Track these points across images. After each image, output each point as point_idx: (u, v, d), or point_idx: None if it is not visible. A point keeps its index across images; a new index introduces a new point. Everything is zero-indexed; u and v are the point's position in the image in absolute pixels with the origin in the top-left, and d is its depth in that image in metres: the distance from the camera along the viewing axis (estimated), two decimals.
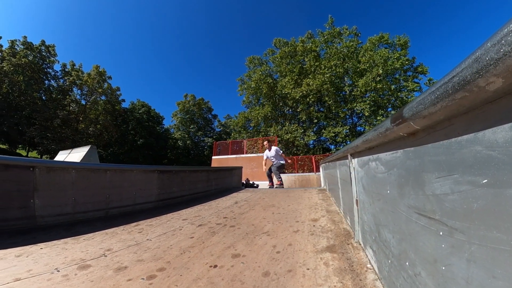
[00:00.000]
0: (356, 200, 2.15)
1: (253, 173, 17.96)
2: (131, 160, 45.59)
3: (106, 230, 2.86)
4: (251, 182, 16.13)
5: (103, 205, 3.65)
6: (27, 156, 37.76)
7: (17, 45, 36.02)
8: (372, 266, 1.67)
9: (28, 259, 1.98)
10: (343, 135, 27.84)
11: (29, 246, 2.27)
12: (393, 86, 27.57)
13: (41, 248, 2.23)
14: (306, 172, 19.10)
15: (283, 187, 8.48)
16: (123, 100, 48.15)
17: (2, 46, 35.40)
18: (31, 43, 36.85)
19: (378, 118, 26.37)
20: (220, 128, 57.84)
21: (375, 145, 1.50)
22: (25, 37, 36.33)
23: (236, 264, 1.83)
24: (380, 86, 26.65)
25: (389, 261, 1.27)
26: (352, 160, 2.27)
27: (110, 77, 44.05)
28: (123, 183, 3.98)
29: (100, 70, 42.36)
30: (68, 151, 18.67)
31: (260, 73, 33.61)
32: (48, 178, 3.02)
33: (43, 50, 37.99)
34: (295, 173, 19.45)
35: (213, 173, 6.41)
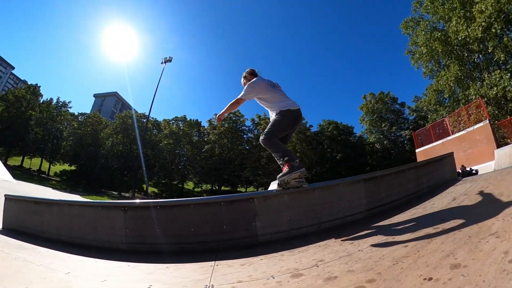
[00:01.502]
0: None
1: (467, 155, 14.06)
2: (334, 175, 48.01)
3: (319, 243, 2.96)
4: (468, 168, 12.62)
5: (315, 221, 3.84)
6: (245, 191, 50.77)
7: (213, 121, 53.37)
8: None
9: (249, 267, 2.35)
10: None
11: (251, 257, 2.70)
12: None
13: (261, 260, 2.58)
14: None
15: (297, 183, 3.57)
16: (311, 126, 54.68)
17: (204, 126, 55.79)
18: None
19: None
20: (413, 115, 51.01)
21: None
22: (215, 114, 52.41)
23: (455, 277, 1.41)
24: None
25: None
26: None
27: None
28: (331, 198, 4.09)
29: None
30: None
31: (423, 33, 27.32)
32: (265, 205, 3.62)
33: (232, 117, 53.34)
34: None
35: (421, 169, 5.54)
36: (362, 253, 2.26)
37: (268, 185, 28.01)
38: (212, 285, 2.01)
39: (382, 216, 3.89)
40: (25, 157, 53.91)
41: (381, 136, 51.19)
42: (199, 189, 56.83)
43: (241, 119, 54.44)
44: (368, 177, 4.53)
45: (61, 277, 2.50)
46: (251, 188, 54.15)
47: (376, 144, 51.47)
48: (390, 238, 2.59)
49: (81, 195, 25.55)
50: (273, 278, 1.96)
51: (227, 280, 2.07)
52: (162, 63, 36.61)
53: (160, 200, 3.93)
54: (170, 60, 36.81)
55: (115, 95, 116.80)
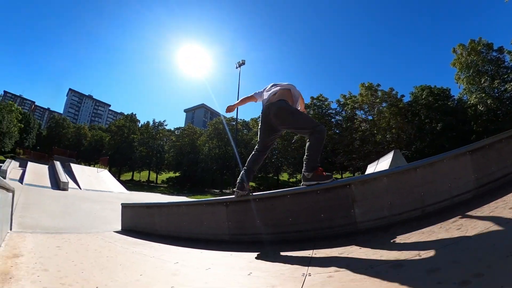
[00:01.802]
0: None
1: None
2: (436, 149, 41.61)
3: (422, 230, 2.70)
4: None
5: (418, 204, 3.50)
6: (341, 177, 47.96)
7: None
8: None
9: (347, 256, 2.29)
10: None
11: (349, 246, 2.61)
12: None
13: (360, 248, 2.47)
14: None
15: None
16: (403, 96, 49.20)
17: None
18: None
19: None
20: None
21: None
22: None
23: None
24: None
25: None
26: None
27: (378, 85, 48.71)
28: (434, 176, 3.67)
29: (366, 85, 48.64)
30: (375, 162, 20.51)
31: None
32: (363, 190, 3.46)
33: (316, 102, 53.14)
34: None
35: None
36: (470, 240, 1.98)
37: (365, 169, 26.59)
38: (310, 273, 2.02)
39: (494, 194, 3.32)
40: (135, 172, 65.68)
41: (483, 95, 41.69)
42: (294, 179, 57.91)
43: (326, 102, 53.27)
44: (474, 147, 3.87)
45: (170, 266, 2.87)
46: (347, 174, 53.01)
47: (478, 106, 42.08)
48: (503, 223, 2.20)
49: (186, 196, 28.70)
50: (372, 268, 1.87)
51: (325, 268, 2.07)
52: (236, 67, 39.64)
53: (258, 193, 4.12)
54: (243, 63, 39.72)
55: (203, 106, 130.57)
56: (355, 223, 3.29)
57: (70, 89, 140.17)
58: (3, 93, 78.11)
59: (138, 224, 5.99)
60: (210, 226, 4.43)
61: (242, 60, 39.43)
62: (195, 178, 59.14)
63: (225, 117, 61.54)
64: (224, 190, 52.34)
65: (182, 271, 2.70)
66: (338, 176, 52.88)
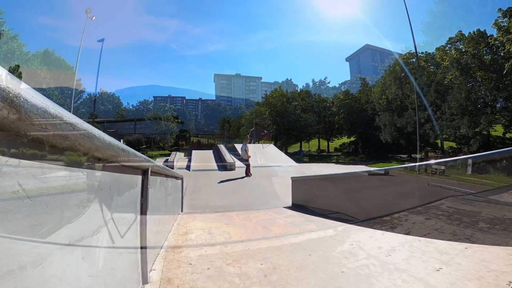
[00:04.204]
0: None
1: None
2: None
3: None
4: None
5: None
6: None
7: (501, 22, 36.07)
8: None
9: None
10: None
11: None
12: None
13: None
14: None
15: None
16: None
17: (492, 36, 37.64)
18: None
19: None
20: None
21: None
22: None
23: None
24: None
25: None
26: None
27: None
28: None
29: None
30: None
31: None
32: None
33: None
34: None
35: None
36: None
37: None
38: None
39: None
40: (302, 142, 67.65)
41: None
42: None
43: None
44: None
45: (344, 248, 2.99)
46: None
47: None
48: None
49: (365, 165, 27.93)
50: None
51: None
52: None
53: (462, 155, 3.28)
54: None
55: (367, 48, 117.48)
56: None
57: (215, 75, 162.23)
58: (153, 98, 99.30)
59: (310, 199, 6.32)
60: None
61: None
62: (374, 141, 53.47)
63: (400, 54, 51.38)
64: (413, 155, 44.60)
65: (356, 254, 2.74)
66: None
